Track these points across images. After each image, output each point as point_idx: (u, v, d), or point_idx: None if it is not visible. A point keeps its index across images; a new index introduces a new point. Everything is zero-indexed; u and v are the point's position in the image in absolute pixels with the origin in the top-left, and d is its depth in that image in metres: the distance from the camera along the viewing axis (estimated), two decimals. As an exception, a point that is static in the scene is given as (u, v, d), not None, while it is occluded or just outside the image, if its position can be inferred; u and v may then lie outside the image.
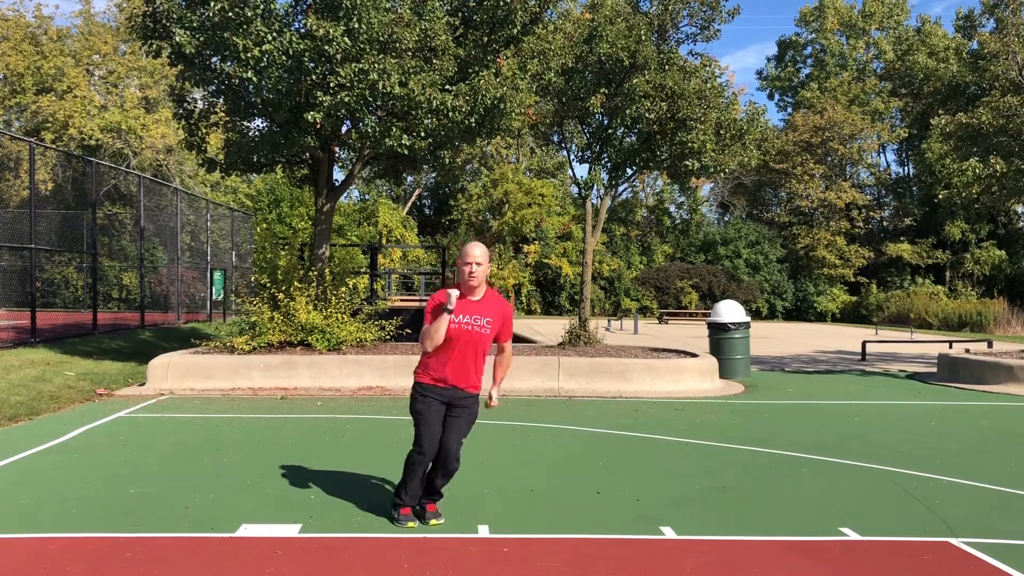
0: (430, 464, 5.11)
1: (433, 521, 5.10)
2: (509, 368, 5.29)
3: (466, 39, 11.96)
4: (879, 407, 10.39)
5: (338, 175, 29.90)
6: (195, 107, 13.18)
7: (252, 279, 12.82)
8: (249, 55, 10.46)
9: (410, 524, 5.06)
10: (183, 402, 9.99)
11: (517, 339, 15.65)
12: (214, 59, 11.41)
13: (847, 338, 24.83)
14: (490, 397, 5.24)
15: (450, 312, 4.92)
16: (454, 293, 4.93)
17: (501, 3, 11.47)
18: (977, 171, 14.71)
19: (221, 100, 12.37)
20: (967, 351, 15.45)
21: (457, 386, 5.03)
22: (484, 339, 5.03)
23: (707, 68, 14.35)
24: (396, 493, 5.20)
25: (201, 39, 10.85)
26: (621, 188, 17.68)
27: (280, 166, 13.80)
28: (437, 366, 5.03)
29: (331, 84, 10.60)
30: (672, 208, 48.21)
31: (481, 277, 5.00)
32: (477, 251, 4.97)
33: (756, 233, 42.98)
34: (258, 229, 23.91)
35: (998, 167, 14.37)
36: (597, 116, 14.38)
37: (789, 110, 51.18)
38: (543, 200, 41.78)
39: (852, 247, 42.12)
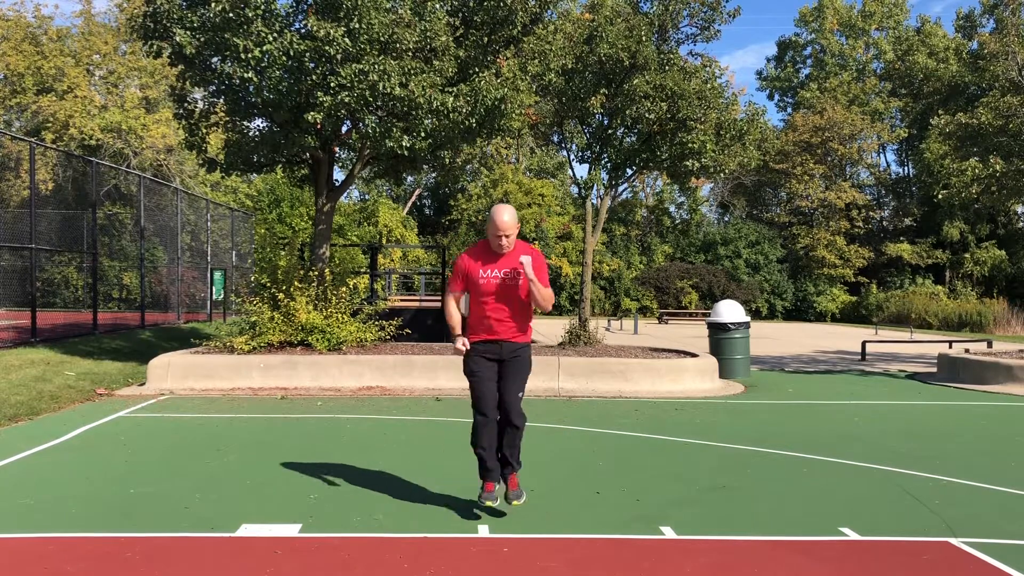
0: (496, 429, 5.09)
1: (515, 502, 5.08)
2: (548, 298, 5.06)
3: (466, 40, 11.97)
4: (879, 407, 10.40)
5: (338, 175, 29.83)
6: (195, 107, 13.19)
7: (252, 279, 12.83)
8: (250, 55, 10.47)
9: (488, 503, 5.05)
10: (183, 402, 9.99)
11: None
12: (214, 59, 11.42)
13: (847, 338, 24.83)
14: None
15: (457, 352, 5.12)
16: (461, 344, 5.04)
17: (501, 4, 11.47)
18: (977, 171, 14.70)
19: (221, 100, 12.37)
20: (967, 351, 15.44)
21: (503, 339, 5.05)
22: (519, 289, 5.03)
23: (707, 68, 14.36)
24: (478, 466, 5.18)
25: (202, 39, 10.86)
26: (621, 188, 17.69)
27: (280, 166, 13.81)
28: (480, 323, 5.07)
29: (331, 84, 10.60)
30: (672, 208, 48.23)
31: (510, 244, 5.02)
32: (506, 217, 4.94)
33: (756, 233, 42.98)
34: (258, 229, 23.93)
35: (998, 167, 14.37)
36: (597, 116, 14.39)
37: (789, 110, 51.20)
38: (543, 200, 41.80)
39: (852, 247, 42.12)
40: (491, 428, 5.09)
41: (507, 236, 4.96)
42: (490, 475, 5.13)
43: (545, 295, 5.02)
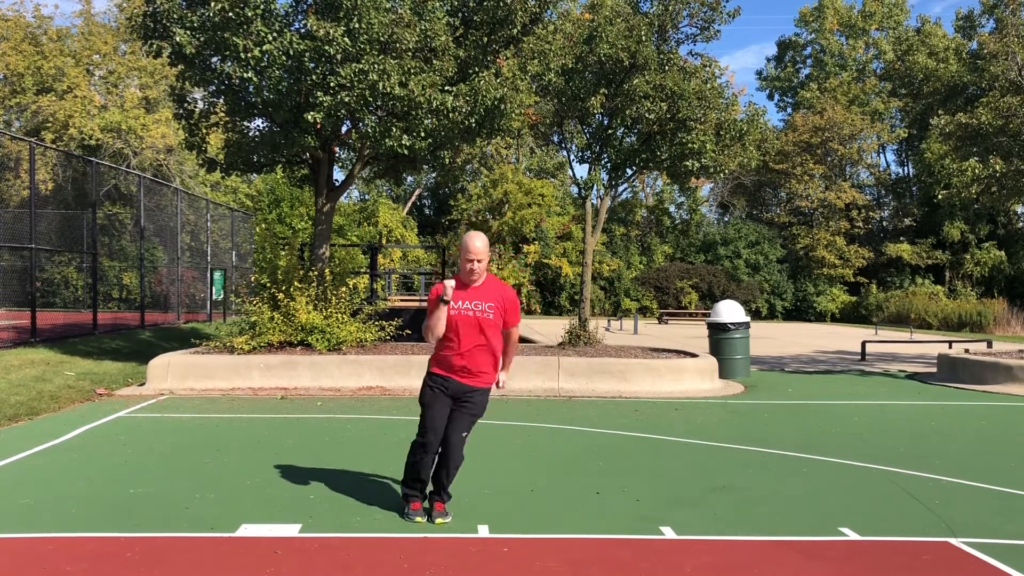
0: (436, 458, 5.13)
1: (439, 520, 5.09)
2: (515, 351, 5.21)
3: (466, 39, 11.97)
4: (879, 407, 10.40)
5: (338, 175, 29.89)
6: (195, 107, 13.19)
7: (252, 279, 12.83)
8: (249, 55, 10.47)
9: (418, 520, 5.09)
10: (183, 402, 9.99)
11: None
12: (214, 59, 11.42)
13: (847, 338, 24.83)
14: (498, 380, 5.22)
15: (447, 303, 4.93)
16: (450, 284, 4.93)
17: (501, 3, 11.47)
18: (976, 171, 14.71)
19: (221, 100, 12.37)
20: (967, 351, 15.44)
21: (466, 379, 5.02)
22: (489, 324, 4.99)
23: (707, 68, 14.36)
24: (403, 485, 5.25)
25: (201, 39, 10.86)
26: (621, 188, 17.71)
27: (280, 166, 13.81)
28: (447, 356, 5.03)
29: (331, 84, 10.60)
30: (672, 208, 48.23)
31: (482, 271, 5.00)
32: (478, 243, 4.93)
33: (756, 233, 42.99)
34: (258, 229, 23.90)
35: (997, 167, 14.37)
36: (597, 116, 14.39)
37: (789, 110, 51.20)
38: (543, 200, 41.78)
39: (852, 247, 42.12)
40: (428, 461, 5.11)
41: (479, 261, 4.93)
42: (414, 498, 5.20)
43: (511, 359, 5.27)
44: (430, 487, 5.25)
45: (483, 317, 4.96)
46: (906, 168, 48.20)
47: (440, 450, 5.11)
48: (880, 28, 49.58)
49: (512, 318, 5.11)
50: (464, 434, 5.11)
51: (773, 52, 67.61)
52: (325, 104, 10.62)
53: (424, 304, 21.39)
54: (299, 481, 6.06)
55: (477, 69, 11.61)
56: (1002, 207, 22.23)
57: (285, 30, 10.77)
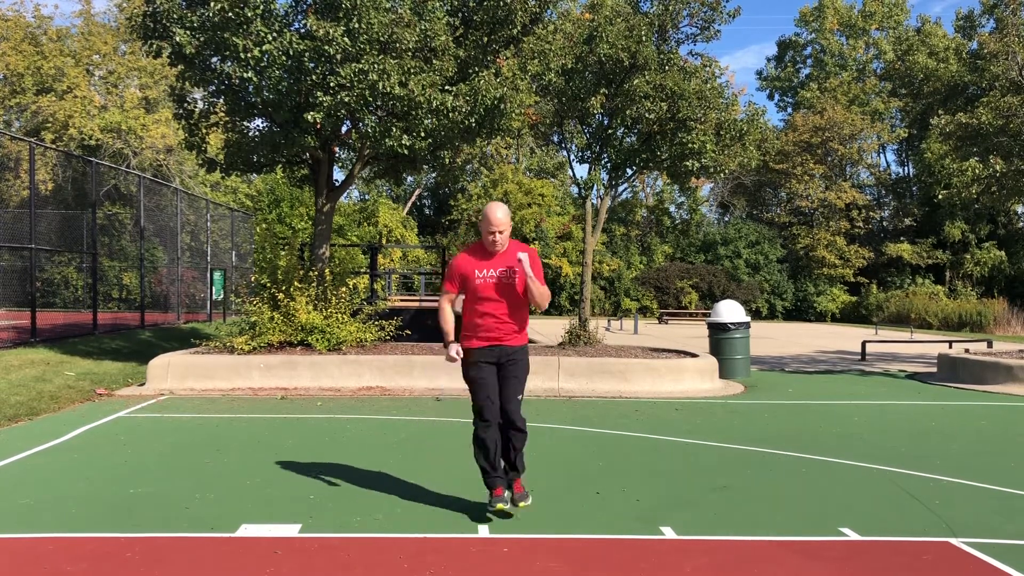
0: (499, 435, 5.09)
1: (522, 504, 5.07)
2: (545, 295, 5.05)
3: (466, 39, 11.97)
4: (879, 407, 10.39)
5: (338, 175, 29.87)
6: (195, 107, 13.18)
7: (252, 279, 12.83)
8: (249, 55, 10.47)
9: (500, 506, 5.03)
10: (183, 402, 9.99)
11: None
12: (214, 59, 11.42)
13: (847, 338, 24.83)
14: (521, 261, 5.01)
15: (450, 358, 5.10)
16: (455, 353, 5.02)
17: (501, 3, 11.47)
18: (977, 171, 14.70)
19: (221, 100, 12.37)
20: (967, 351, 15.44)
21: (502, 342, 5.03)
22: (516, 287, 5.01)
23: (707, 68, 14.36)
24: (483, 475, 5.17)
25: (201, 39, 10.86)
26: (621, 188, 17.70)
27: (280, 166, 13.81)
28: (477, 326, 5.03)
29: (331, 84, 10.60)
30: (672, 208, 48.24)
31: (504, 241, 4.98)
32: (499, 214, 4.93)
33: (756, 233, 42.99)
34: (258, 229, 23.91)
35: (998, 167, 14.37)
36: (597, 116, 14.37)
37: (789, 110, 51.21)
38: (543, 200, 41.80)
39: (852, 247, 42.13)
40: (494, 435, 5.07)
41: (500, 232, 4.93)
42: (497, 481, 5.12)
43: (543, 292, 5.00)
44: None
45: (508, 282, 4.98)
46: (906, 168, 48.24)
47: (500, 422, 5.08)
48: (880, 28, 49.58)
49: (536, 273, 5.02)
50: (519, 397, 5.09)
51: (773, 52, 67.63)
52: (325, 104, 10.62)
53: (424, 304, 21.38)
54: (299, 481, 6.06)
55: (477, 69, 11.61)
56: (1002, 207, 22.24)
57: (285, 30, 10.77)
